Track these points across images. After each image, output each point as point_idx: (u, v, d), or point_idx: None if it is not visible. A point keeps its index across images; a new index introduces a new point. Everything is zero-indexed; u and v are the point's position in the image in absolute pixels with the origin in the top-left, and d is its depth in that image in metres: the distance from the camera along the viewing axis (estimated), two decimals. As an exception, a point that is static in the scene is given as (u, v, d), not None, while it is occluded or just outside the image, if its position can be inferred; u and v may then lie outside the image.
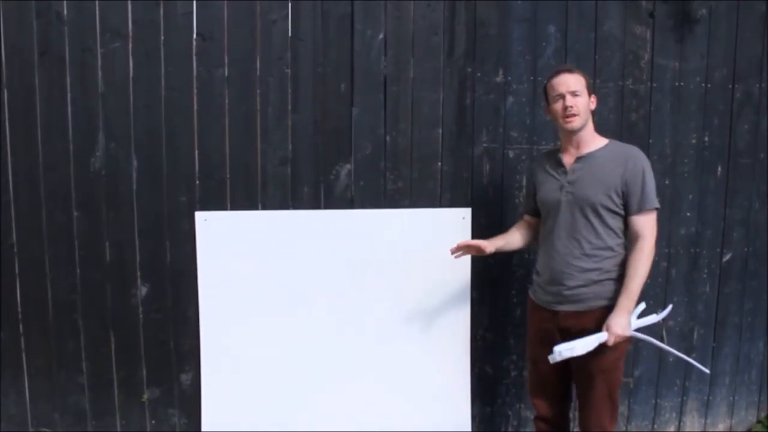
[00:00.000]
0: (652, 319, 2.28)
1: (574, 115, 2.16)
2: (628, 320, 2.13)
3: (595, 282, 2.17)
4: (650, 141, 2.76)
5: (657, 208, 2.17)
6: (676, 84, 2.75)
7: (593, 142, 2.23)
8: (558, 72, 2.22)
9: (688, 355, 2.84)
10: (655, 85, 2.74)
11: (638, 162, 2.15)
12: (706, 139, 2.79)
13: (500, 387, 2.85)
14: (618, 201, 2.15)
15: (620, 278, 2.17)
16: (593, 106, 2.23)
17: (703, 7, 2.70)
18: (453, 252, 2.37)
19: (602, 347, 2.13)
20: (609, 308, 2.16)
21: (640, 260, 2.12)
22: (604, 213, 2.15)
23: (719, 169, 2.81)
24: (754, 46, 2.77)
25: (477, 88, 2.69)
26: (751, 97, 2.79)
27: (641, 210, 2.14)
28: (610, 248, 2.17)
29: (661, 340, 2.81)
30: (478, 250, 2.34)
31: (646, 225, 2.14)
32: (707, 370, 2.46)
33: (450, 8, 2.65)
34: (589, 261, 2.17)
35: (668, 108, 2.75)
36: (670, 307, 2.37)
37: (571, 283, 2.18)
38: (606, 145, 2.22)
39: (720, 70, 2.76)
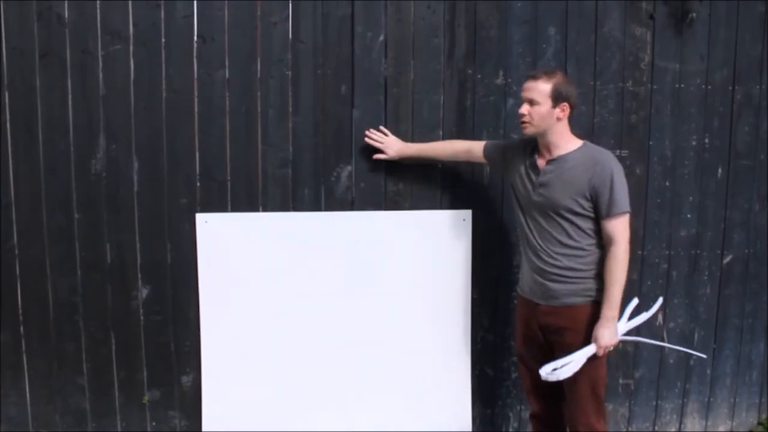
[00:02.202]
0: (642, 317, 2.32)
1: (525, 122, 2.20)
2: (613, 329, 2.17)
3: (569, 279, 2.20)
4: (650, 143, 2.76)
5: (628, 212, 2.16)
6: (677, 86, 2.75)
7: (566, 145, 2.22)
8: (527, 77, 2.25)
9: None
10: (655, 87, 2.74)
11: (606, 167, 2.14)
12: (707, 141, 2.79)
13: (501, 388, 2.85)
14: (587, 205, 2.16)
15: (596, 276, 2.20)
16: (562, 114, 2.17)
17: (703, 8, 2.70)
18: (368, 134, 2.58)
19: (583, 341, 2.18)
20: (584, 305, 2.20)
21: (615, 267, 2.13)
22: (571, 216, 2.17)
23: (719, 170, 2.81)
24: (754, 47, 2.77)
25: (477, 90, 2.69)
26: (751, 99, 2.79)
27: (610, 214, 2.13)
28: (582, 248, 2.19)
29: (662, 342, 2.82)
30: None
31: (617, 229, 2.14)
32: (704, 355, 2.50)
33: (450, 10, 2.65)
34: (562, 259, 2.20)
35: (668, 110, 2.76)
36: (660, 301, 2.41)
37: (545, 278, 2.22)
38: (579, 148, 2.22)
39: (720, 71, 2.76)
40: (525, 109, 2.19)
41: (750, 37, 2.76)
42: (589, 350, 2.16)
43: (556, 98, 2.15)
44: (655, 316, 2.77)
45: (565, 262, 2.19)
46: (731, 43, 2.75)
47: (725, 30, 2.74)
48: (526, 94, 2.20)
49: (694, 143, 2.78)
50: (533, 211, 2.25)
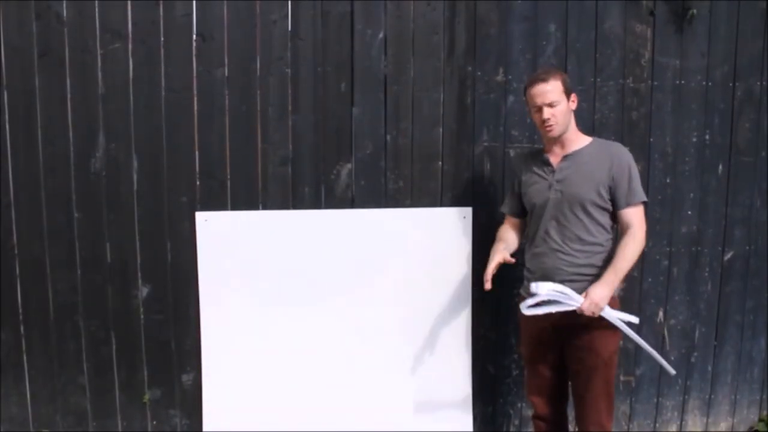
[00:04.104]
0: (625, 316, 2.20)
1: (551, 125, 2.19)
2: (607, 294, 2.11)
3: (587, 277, 2.19)
4: (651, 140, 2.75)
5: (645, 202, 2.21)
6: (677, 82, 2.74)
7: (577, 140, 2.26)
8: (533, 82, 2.21)
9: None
10: (655, 83, 2.73)
11: (623, 158, 2.21)
12: (707, 137, 2.78)
13: (502, 386, 2.84)
14: (606, 196, 2.19)
15: None
16: (574, 105, 2.24)
17: (704, 5, 2.69)
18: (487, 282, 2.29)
19: (598, 340, 2.17)
20: None
21: (630, 243, 2.15)
22: (592, 209, 2.19)
23: (720, 167, 2.81)
24: (755, 43, 2.76)
25: (477, 87, 2.68)
26: (752, 95, 2.78)
27: (629, 204, 2.18)
28: (600, 244, 2.21)
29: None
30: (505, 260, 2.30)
31: (636, 217, 2.19)
32: (673, 371, 2.35)
33: (450, 7, 2.64)
34: (580, 257, 2.20)
35: (669, 106, 2.75)
36: (636, 319, 2.24)
37: (564, 278, 2.20)
38: (590, 143, 2.26)
39: (721, 68, 2.75)
40: (548, 113, 2.17)
41: (751, 33, 2.75)
42: (575, 298, 2.11)
43: (567, 92, 2.21)
44: (656, 313, 2.77)
45: (584, 260, 2.19)
46: (732, 39, 2.74)
47: (726, 26, 2.73)
48: (541, 99, 2.17)
49: (694, 140, 2.78)
50: (552, 210, 2.23)
